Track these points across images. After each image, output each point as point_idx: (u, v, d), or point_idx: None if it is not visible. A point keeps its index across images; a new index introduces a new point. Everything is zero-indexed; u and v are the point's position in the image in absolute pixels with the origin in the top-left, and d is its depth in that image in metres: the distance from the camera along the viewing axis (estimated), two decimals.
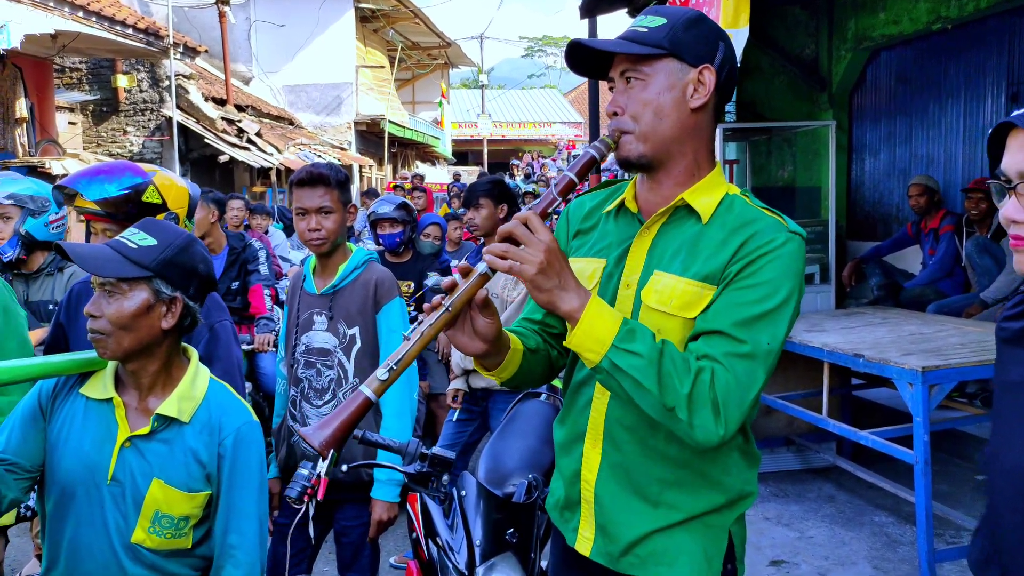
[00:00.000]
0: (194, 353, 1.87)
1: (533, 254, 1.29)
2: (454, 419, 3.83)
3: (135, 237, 1.75)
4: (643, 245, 1.48)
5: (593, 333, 1.31)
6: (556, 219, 1.72)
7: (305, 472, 1.27)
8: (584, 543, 1.53)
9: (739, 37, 3.71)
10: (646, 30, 1.42)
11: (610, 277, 1.50)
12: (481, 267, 1.32)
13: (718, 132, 5.59)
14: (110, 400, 1.75)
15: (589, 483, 1.51)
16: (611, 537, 1.49)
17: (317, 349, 2.73)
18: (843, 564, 3.71)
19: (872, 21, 6.31)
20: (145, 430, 1.73)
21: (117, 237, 1.76)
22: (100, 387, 1.77)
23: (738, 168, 6.83)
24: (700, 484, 1.45)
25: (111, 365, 1.79)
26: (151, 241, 1.74)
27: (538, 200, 1.39)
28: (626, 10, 6.52)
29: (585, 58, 1.49)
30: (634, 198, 1.53)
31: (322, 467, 1.26)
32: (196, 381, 1.80)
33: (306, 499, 1.27)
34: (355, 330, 2.70)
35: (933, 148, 6.38)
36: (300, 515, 2.65)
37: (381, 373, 1.29)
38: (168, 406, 1.74)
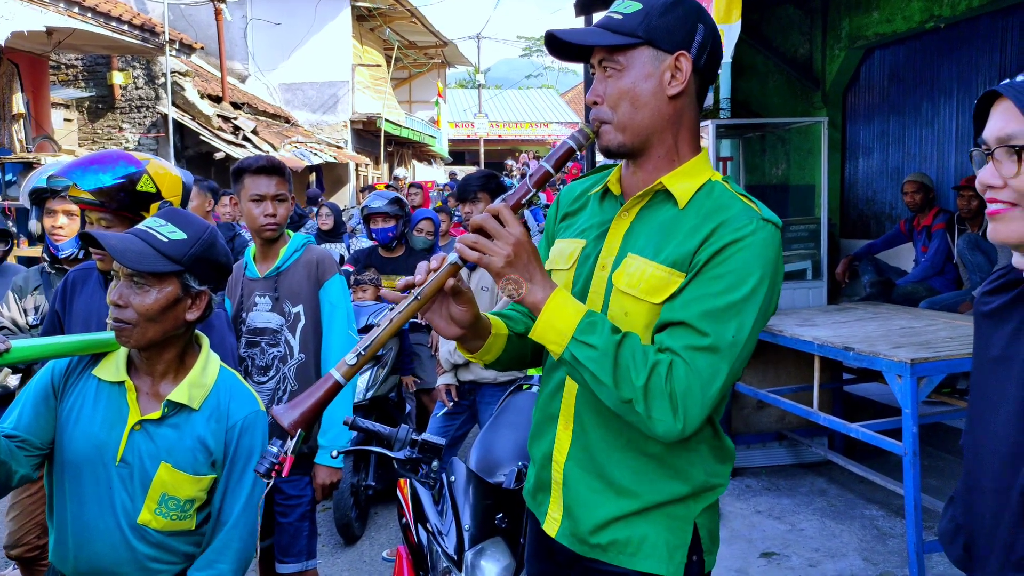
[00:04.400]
0: (205, 340, 1.89)
1: (501, 247, 1.32)
2: (440, 413, 3.84)
3: (163, 229, 1.75)
4: (621, 228, 1.49)
5: (555, 325, 1.33)
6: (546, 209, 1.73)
7: (274, 450, 1.32)
8: (552, 524, 1.54)
9: (731, 33, 3.73)
10: (621, 17, 1.41)
11: (587, 258, 1.51)
12: (452, 257, 1.35)
13: (712, 129, 5.62)
14: (122, 383, 1.77)
15: (559, 464, 1.52)
16: (576, 520, 1.49)
17: (259, 329, 2.89)
18: (833, 556, 3.73)
19: (865, 20, 6.34)
20: (156, 415, 1.75)
21: (143, 227, 1.76)
22: (113, 369, 1.79)
23: (732, 165, 6.85)
24: (663, 473, 1.44)
25: (124, 348, 1.80)
26: (181, 235, 1.74)
27: (512, 191, 1.40)
28: None
29: (567, 46, 1.48)
30: (618, 181, 1.54)
31: (289, 445, 1.31)
32: (207, 369, 1.83)
33: (273, 475, 1.31)
34: (299, 308, 2.87)
35: (926, 147, 6.41)
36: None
37: (350, 358, 1.33)
38: (179, 393, 1.76)
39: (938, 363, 3.31)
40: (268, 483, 1.37)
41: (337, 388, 1.32)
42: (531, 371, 3.13)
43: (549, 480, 1.55)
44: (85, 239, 1.80)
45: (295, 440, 1.29)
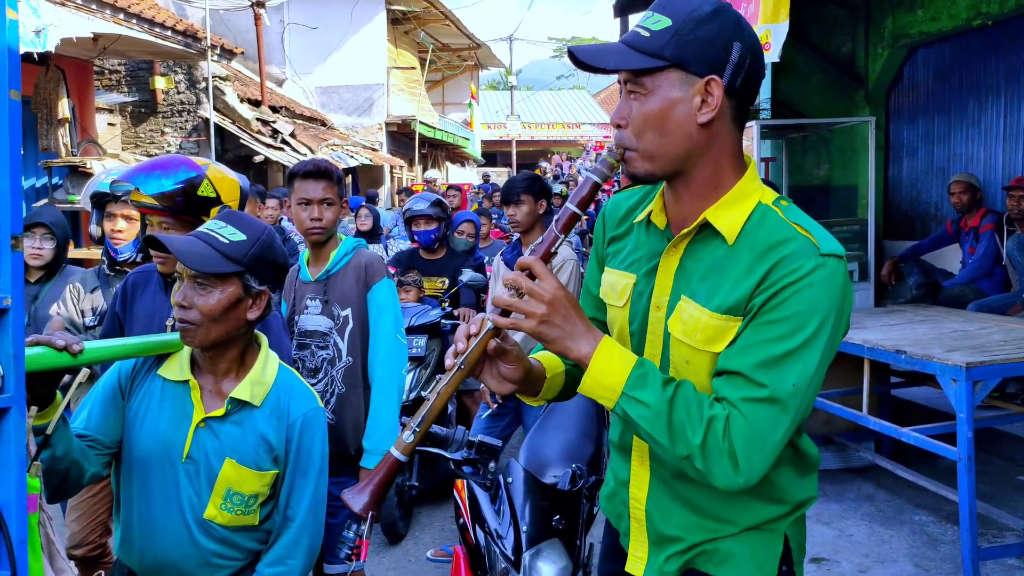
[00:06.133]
0: (264, 339, 1.93)
1: (536, 306, 1.26)
2: (484, 415, 3.85)
3: (224, 231, 1.79)
4: (670, 265, 1.39)
5: (603, 381, 1.27)
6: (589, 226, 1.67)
7: (350, 535, 1.35)
8: (636, 564, 1.49)
9: (779, 32, 3.70)
10: (648, 35, 1.29)
11: (640, 295, 1.43)
12: (489, 323, 1.31)
13: (756, 130, 5.56)
14: (186, 382, 1.82)
15: (639, 501, 1.47)
16: (666, 549, 1.45)
17: (309, 331, 2.91)
18: (884, 562, 3.68)
19: (910, 18, 6.25)
20: (220, 412, 1.79)
21: (204, 230, 1.81)
22: (177, 369, 1.83)
23: (774, 166, 6.80)
24: (753, 500, 1.39)
25: (187, 348, 1.85)
26: (241, 236, 1.79)
27: (540, 241, 1.33)
28: None
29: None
30: (661, 210, 1.43)
31: (364, 529, 1.34)
32: (267, 367, 1.87)
33: (353, 559, 1.35)
34: (348, 311, 2.88)
35: (972, 147, 6.30)
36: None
37: (407, 435, 1.32)
38: (241, 390, 1.80)
39: (993, 367, 3.26)
40: (350, 567, 1.42)
41: (398, 466, 1.32)
42: None
43: (628, 511, 1.50)
44: (149, 242, 1.85)
45: (368, 524, 1.33)
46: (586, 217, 1.37)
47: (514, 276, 1.28)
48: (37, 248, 3.52)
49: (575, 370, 1.50)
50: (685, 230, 1.36)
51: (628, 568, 1.50)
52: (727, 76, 1.28)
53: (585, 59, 1.32)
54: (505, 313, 1.29)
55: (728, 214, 1.33)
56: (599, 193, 1.37)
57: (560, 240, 1.32)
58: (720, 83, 1.28)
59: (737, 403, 1.24)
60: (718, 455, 1.23)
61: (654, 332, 1.40)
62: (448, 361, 1.32)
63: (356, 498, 1.32)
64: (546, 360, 1.49)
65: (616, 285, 1.48)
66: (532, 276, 1.29)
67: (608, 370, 1.27)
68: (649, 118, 1.30)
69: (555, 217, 1.35)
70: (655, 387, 1.25)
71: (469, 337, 1.31)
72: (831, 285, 1.25)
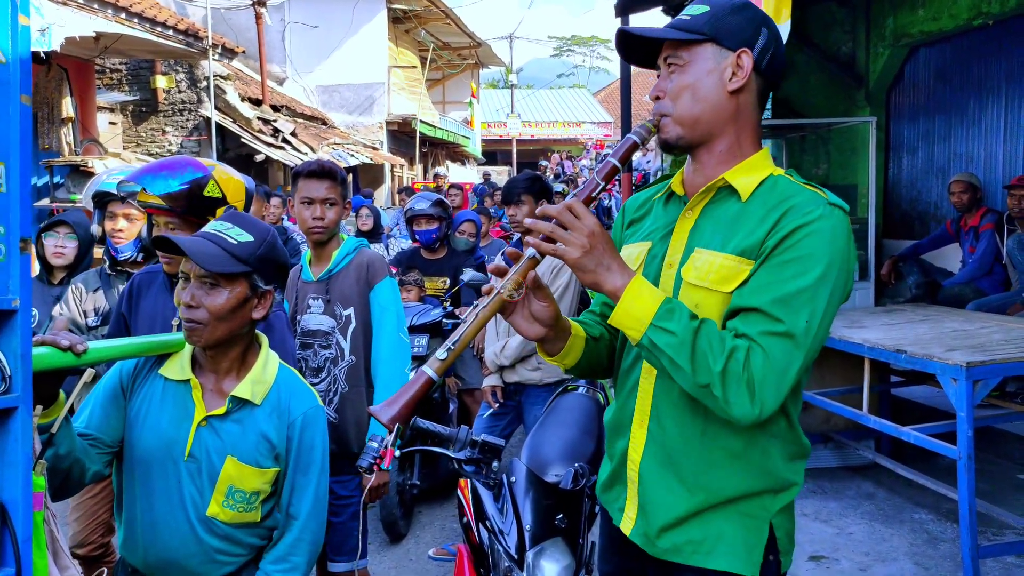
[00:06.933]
0: (264, 339, 1.95)
1: (577, 237, 1.35)
2: (486, 415, 3.86)
3: (231, 232, 1.81)
4: (686, 226, 1.51)
5: (633, 312, 1.36)
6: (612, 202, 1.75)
7: (375, 444, 1.36)
8: (627, 522, 1.56)
9: (781, 32, 3.70)
10: (689, 18, 1.48)
11: (654, 258, 1.54)
12: (530, 251, 1.38)
13: None
14: (187, 381, 1.83)
15: (635, 462, 1.54)
16: (649, 519, 1.51)
17: (312, 331, 2.92)
18: (884, 560, 3.70)
19: (911, 18, 6.25)
20: (221, 411, 1.81)
21: (211, 231, 1.83)
22: (178, 368, 1.85)
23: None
24: (737, 467, 1.45)
25: (188, 347, 1.87)
26: (248, 236, 1.82)
27: (582, 187, 1.44)
28: (660, 8, 6.53)
29: (634, 47, 1.55)
30: (681, 183, 1.56)
31: (389, 439, 1.35)
32: (267, 366, 1.89)
33: (376, 468, 1.36)
34: (350, 310, 2.90)
35: (973, 146, 6.31)
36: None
37: (440, 353, 1.37)
38: (242, 389, 1.82)
39: (994, 366, 3.28)
40: (371, 477, 1.43)
41: (430, 384, 1.37)
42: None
43: (625, 477, 1.57)
44: (159, 242, 1.86)
45: (394, 434, 1.34)
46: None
47: (558, 209, 1.36)
48: (60, 246, 3.43)
49: (592, 342, 1.61)
50: (703, 189, 1.50)
51: (620, 525, 1.58)
52: (756, 52, 1.45)
53: (636, 32, 1.49)
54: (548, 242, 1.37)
55: (744, 176, 1.47)
56: (602, 193, 1.46)
57: (600, 188, 1.42)
58: (751, 55, 1.45)
59: (756, 337, 1.33)
60: (737, 384, 1.31)
61: (664, 289, 1.49)
62: (488, 286, 1.40)
63: (385, 410, 1.35)
64: (571, 323, 1.58)
65: (631, 255, 1.59)
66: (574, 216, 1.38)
67: (639, 302, 1.36)
68: (685, 85, 1.46)
69: (596, 167, 1.41)
70: (682, 319, 1.34)
71: (505, 272, 1.40)
72: (837, 233, 1.37)
